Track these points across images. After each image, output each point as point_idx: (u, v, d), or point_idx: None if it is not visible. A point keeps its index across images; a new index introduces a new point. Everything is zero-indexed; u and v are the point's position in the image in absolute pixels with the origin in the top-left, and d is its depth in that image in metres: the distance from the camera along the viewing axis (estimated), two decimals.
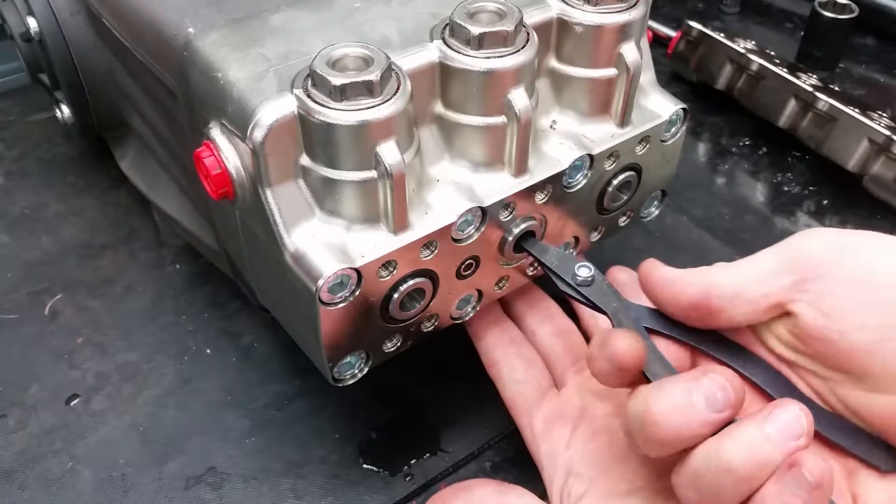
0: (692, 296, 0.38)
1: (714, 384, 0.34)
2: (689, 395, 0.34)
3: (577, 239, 0.49)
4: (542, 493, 0.43)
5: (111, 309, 0.58)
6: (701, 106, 0.77)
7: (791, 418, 0.33)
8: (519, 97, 0.40)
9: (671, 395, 0.34)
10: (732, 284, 0.38)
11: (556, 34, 0.45)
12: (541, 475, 0.45)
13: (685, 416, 0.33)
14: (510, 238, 0.44)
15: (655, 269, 0.41)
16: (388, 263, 0.39)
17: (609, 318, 0.41)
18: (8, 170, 0.70)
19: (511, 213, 0.43)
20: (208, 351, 0.55)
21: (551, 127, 0.46)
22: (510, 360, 0.48)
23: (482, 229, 0.42)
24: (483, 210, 0.41)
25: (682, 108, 0.48)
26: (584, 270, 0.43)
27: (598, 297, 0.42)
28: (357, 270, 0.38)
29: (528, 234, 0.44)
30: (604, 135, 0.46)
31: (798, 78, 0.69)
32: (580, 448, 0.44)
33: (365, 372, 0.43)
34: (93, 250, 0.62)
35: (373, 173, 0.38)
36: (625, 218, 0.51)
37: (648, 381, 0.37)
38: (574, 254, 0.50)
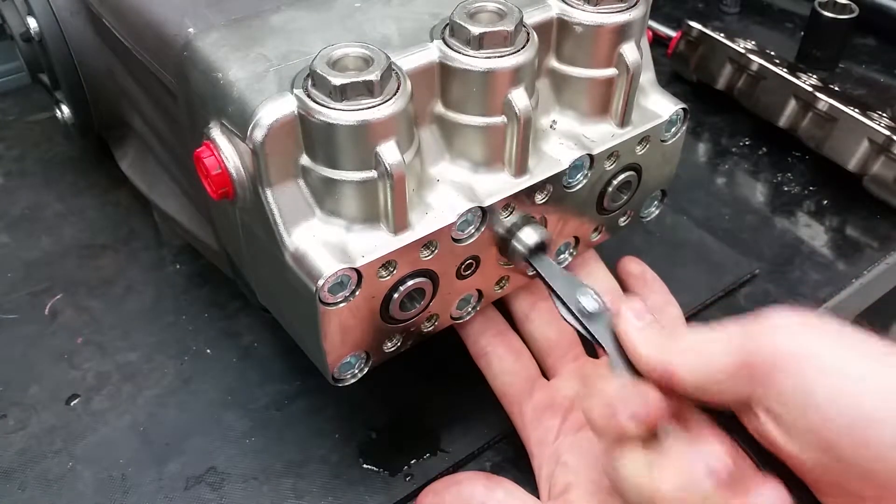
0: (657, 381, 0.37)
1: (713, 455, 0.35)
2: (692, 470, 0.34)
3: (577, 239, 0.49)
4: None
5: (111, 309, 0.58)
6: (701, 106, 0.77)
7: (777, 498, 0.34)
8: (519, 97, 0.40)
9: (678, 468, 0.35)
10: (693, 383, 0.36)
11: (557, 34, 0.45)
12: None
13: (691, 493, 0.34)
14: (523, 250, 0.43)
15: (623, 337, 0.39)
16: (388, 263, 0.39)
17: (607, 355, 0.39)
18: (8, 170, 0.69)
19: (511, 213, 0.43)
20: (208, 351, 0.55)
21: (551, 127, 0.46)
22: (497, 349, 0.48)
23: (482, 229, 0.42)
24: (483, 210, 0.41)
25: (683, 108, 0.48)
26: (590, 302, 0.40)
27: (599, 331, 0.40)
28: (357, 270, 0.38)
29: (539, 247, 0.43)
30: (604, 135, 0.46)
31: (798, 78, 0.69)
32: (569, 438, 0.44)
33: (365, 372, 0.43)
34: (93, 250, 0.62)
35: (373, 173, 0.38)
36: (625, 218, 0.51)
37: None
38: (575, 254, 0.50)
